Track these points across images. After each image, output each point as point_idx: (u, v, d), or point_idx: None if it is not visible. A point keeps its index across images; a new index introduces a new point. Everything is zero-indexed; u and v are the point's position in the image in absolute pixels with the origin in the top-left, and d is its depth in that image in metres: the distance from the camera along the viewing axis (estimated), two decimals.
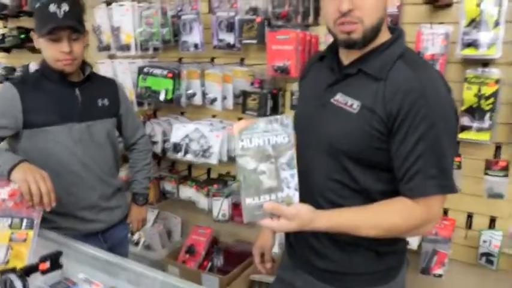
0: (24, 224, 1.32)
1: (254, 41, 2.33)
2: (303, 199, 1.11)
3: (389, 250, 1.30)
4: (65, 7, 1.69)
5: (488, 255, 2.00)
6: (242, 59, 2.60)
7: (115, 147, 2.00)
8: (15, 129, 1.74)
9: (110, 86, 2.01)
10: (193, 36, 2.56)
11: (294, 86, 2.37)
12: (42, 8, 1.69)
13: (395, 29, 1.26)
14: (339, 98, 1.23)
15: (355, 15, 1.14)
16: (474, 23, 1.79)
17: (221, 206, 2.61)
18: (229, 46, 2.48)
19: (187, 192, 2.81)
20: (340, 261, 1.30)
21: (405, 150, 1.13)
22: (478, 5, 1.77)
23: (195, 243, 2.82)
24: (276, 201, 1.09)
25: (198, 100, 2.63)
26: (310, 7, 2.20)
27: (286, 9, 2.15)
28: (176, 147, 2.59)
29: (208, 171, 2.94)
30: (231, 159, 2.59)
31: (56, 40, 1.69)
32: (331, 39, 1.31)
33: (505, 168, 1.93)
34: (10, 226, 1.31)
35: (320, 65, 1.38)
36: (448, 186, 1.15)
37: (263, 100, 2.38)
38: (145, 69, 2.71)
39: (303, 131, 1.32)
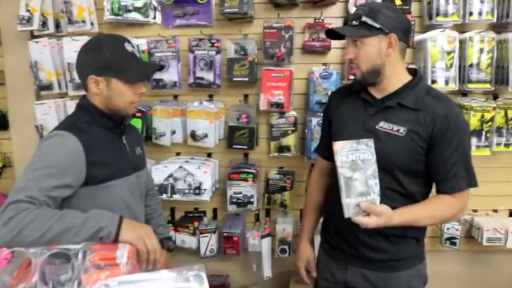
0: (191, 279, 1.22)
1: (246, 79, 2.44)
2: None
3: (422, 236, 1.71)
4: (133, 46, 1.59)
5: (451, 239, 2.56)
6: (210, 95, 2.65)
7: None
8: (76, 187, 1.46)
9: (138, 134, 1.89)
10: (171, 75, 2.52)
11: (273, 120, 2.56)
12: (120, 50, 1.53)
13: (415, 70, 1.68)
14: (384, 125, 1.58)
15: (355, 62, 1.58)
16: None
17: (209, 242, 2.58)
18: (208, 84, 2.53)
19: None
20: (390, 251, 1.63)
21: (443, 159, 1.54)
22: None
23: None
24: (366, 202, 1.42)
25: (178, 138, 2.59)
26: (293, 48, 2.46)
27: (282, 50, 2.36)
28: (160, 189, 2.48)
29: (172, 210, 2.84)
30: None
31: (135, 83, 1.56)
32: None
33: None
34: None
35: (352, 97, 1.70)
36: (473, 183, 1.58)
37: (252, 134, 2.51)
38: None
39: None
